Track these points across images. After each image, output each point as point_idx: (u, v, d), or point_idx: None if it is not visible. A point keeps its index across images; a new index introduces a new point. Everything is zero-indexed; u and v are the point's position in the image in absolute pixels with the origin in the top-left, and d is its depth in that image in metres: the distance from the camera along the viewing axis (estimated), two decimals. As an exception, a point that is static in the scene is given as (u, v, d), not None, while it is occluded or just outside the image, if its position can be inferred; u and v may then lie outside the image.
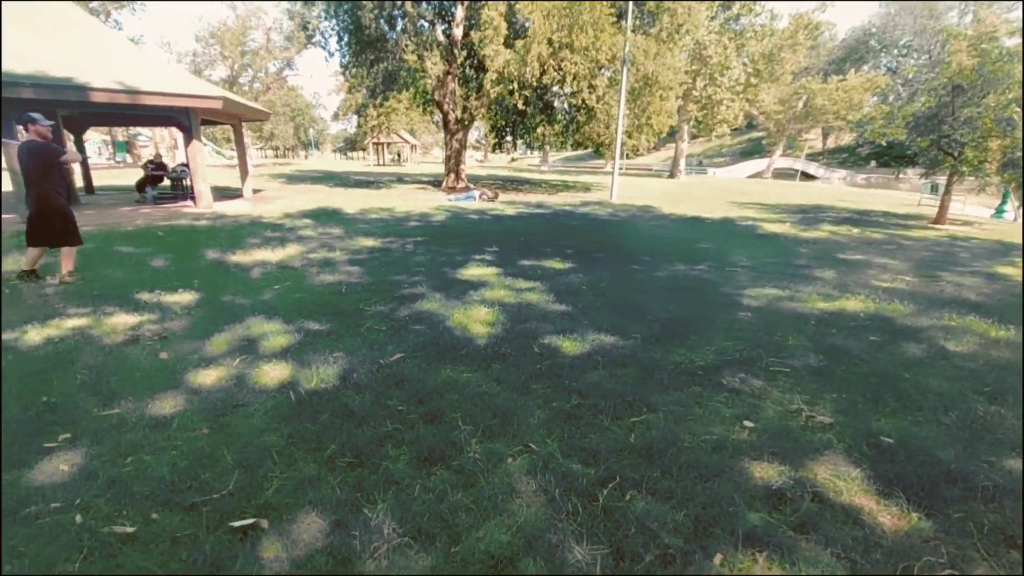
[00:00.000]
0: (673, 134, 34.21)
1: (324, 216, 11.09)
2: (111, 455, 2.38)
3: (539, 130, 20.10)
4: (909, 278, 6.46)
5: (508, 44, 16.01)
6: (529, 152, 75.86)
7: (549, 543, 1.86)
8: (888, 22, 47.73)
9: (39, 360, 3.43)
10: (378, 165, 44.96)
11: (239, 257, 6.76)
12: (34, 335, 3.85)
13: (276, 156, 60.14)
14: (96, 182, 16.34)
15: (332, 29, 19.54)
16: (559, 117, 18.19)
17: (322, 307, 4.64)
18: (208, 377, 3.20)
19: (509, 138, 25.15)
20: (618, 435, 2.58)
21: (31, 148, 5.10)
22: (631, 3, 14.95)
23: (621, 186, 24.59)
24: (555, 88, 16.85)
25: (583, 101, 16.52)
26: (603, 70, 15.95)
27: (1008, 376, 3.40)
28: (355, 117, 28.12)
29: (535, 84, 15.28)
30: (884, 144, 19.23)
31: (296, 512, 2.01)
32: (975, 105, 10.91)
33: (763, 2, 26.84)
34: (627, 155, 56.76)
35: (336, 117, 54.63)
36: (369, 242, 8.07)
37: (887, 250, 8.50)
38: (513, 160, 71.57)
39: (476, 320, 4.31)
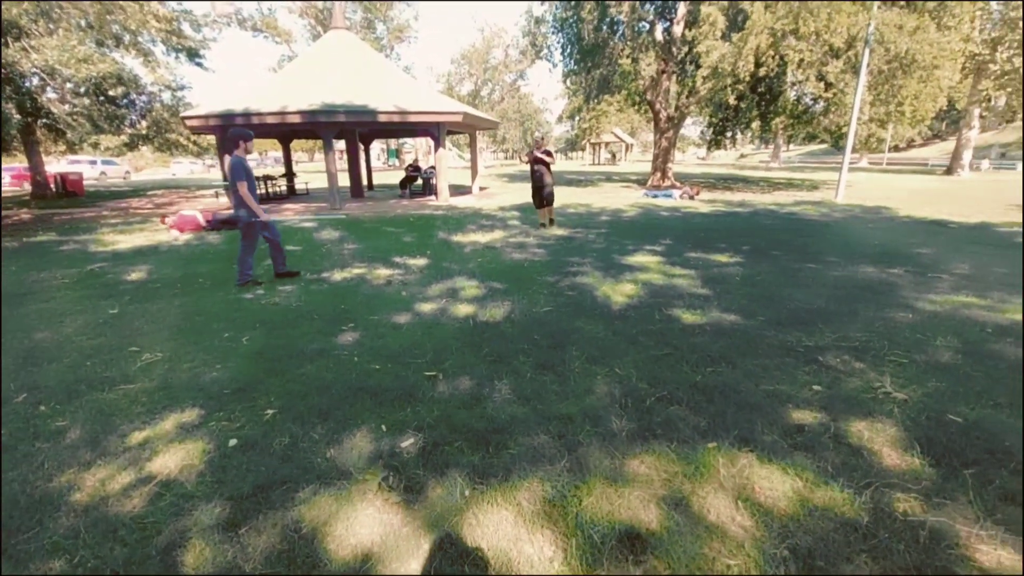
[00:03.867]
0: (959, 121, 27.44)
1: (529, 210, 12.91)
2: (372, 336, 4.11)
3: (755, 124, 18.90)
4: None
5: (726, 37, 15.64)
6: (763, 147, 68.79)
7: (598, 415, 2.79)
8: None
9: (340, 288, 5.63)
10: (592, 164, 46.94)
11: (459, 238, 8.83)
12: (337, 275, 6.20)
13: (505, 157, 67.53)
14: (375, 181, 21.62)
15: (557, 43, 21.73)
16: (783, 109, 16.87)
17: (507, 275, 6.10)
18: (426, 307, 4.88)
19: (730, 134, 24.02)
20: (689, 376, 3.28)
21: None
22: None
23: (860, 183, 21.30)
24: (777, 78, 15.73)
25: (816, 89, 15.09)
26: (838, 55, 14.31)
27: None
28: (572, 121, 30.29)
29: (749, 77, 14.66)
30: None
31: (458, 375, 3.35)
32: None
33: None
34: (896, 147, 47.18)
35: (559, 120, 58.81)
36: (559, 231, 9.43)
37: None
38: (742, 156, 66.06)
39: (620, 292, 5.21)
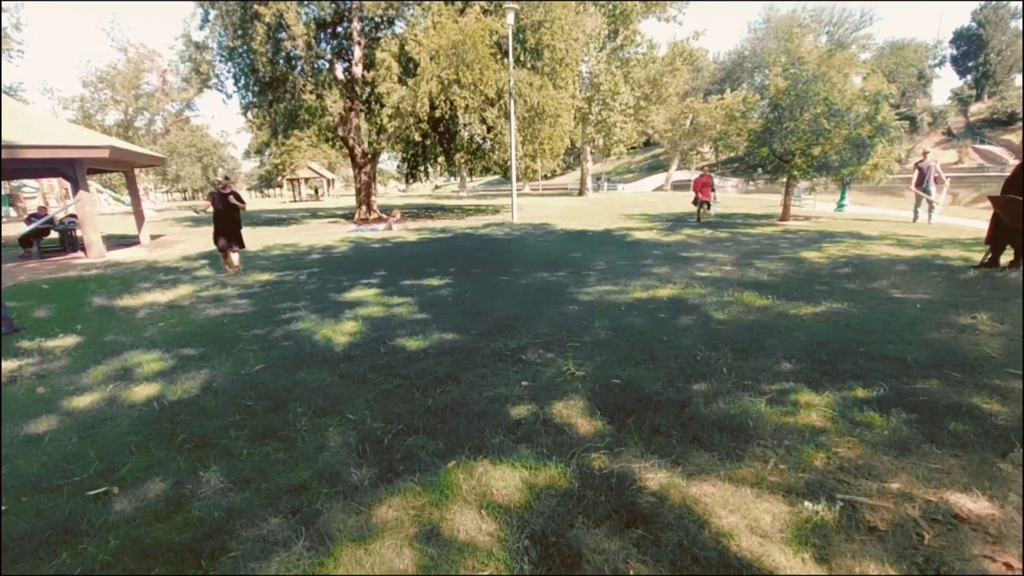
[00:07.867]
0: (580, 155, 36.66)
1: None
2: (-15, 466, 2.85)
3: (441, 159, 21.13)
4: (728, 267, 7.84)
5: (402, 81, 16.98)
6: (453, 179, 77.24)
7: (335, 472, 2.59)
8: (756, 46, 53.94)
9: (-89, 407, 3.73)
10: (294, 201, 44.20)
11: (128, 301, 7.00)
12: (-95, 388, 4.10)
13: (184, 199, 57.27)
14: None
15: (228, 72, 19.67)
16: (461, 146, 19.35)
17: (202, 336, 5.13)
18: (82, 402, 3.67)
19: (422, 168, 26.05)
20: (421, 402, 3.37)
21: None
22: (511, 41, 16.38)
23: (528, 206, 26.03)
24: (453, 119, 17.97)
25: (480, 130, 17.80)
26: (493, 103, 17.22)
27: (739, 331, 4.56)
28: (261, 156, 27.94)
29: (427, 118, 16.29)
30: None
31: (144, 481, 2.62)
32: (795, 119, 13.08)
33: (641, 33, 29.82)
34: (545, 176, 59.64)
35: (247, 155, 53.35)
36: (264, 276, 8.49)
37: (724, 246, 10.06)
38: (437, 188, 72.53)
39: (341, 332, 5.00)
